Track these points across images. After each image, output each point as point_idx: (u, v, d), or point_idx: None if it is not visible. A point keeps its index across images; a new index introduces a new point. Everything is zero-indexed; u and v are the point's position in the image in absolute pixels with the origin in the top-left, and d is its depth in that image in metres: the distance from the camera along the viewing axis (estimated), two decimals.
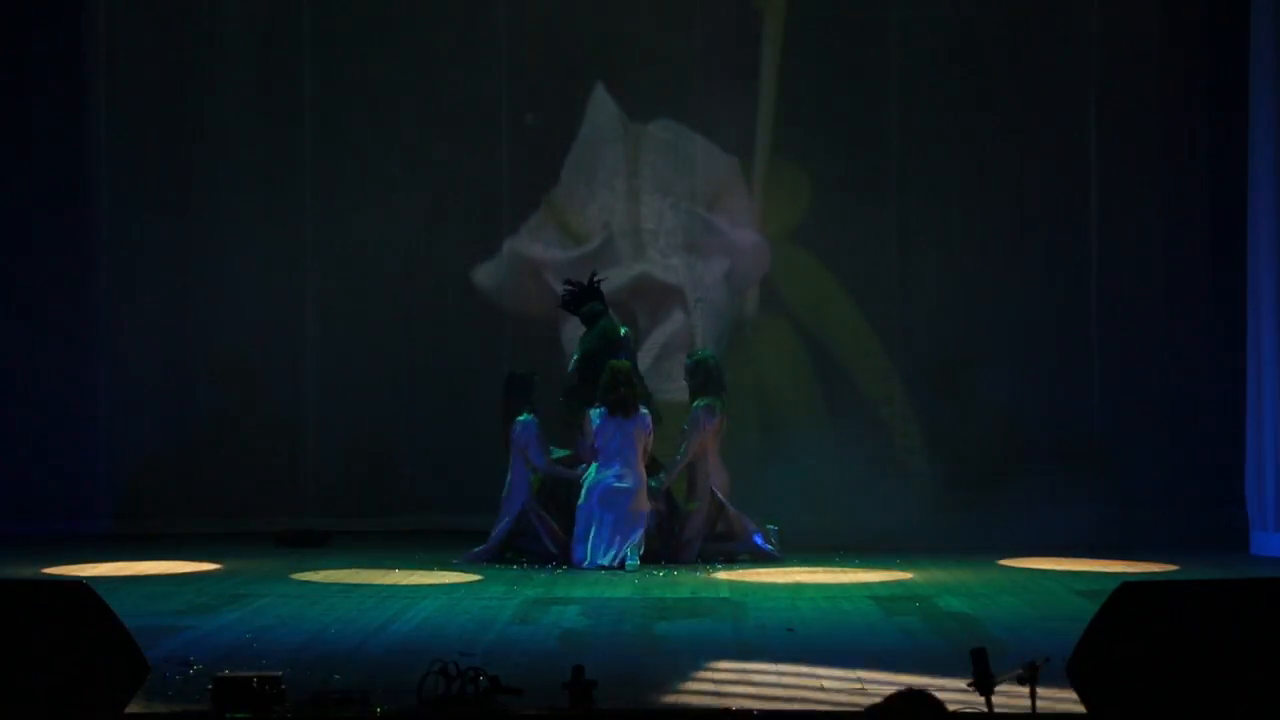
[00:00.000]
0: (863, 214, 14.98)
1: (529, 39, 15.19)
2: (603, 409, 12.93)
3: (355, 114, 15.24)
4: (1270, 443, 13.38)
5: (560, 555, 12.85)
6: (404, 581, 11.90)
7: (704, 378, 13.30)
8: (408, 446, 15.11)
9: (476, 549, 13.04)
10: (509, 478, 13.14)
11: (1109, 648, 6.76)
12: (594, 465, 12.91)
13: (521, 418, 13.09)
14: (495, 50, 15.19)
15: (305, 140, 15.19)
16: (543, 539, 12.98)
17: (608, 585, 11.78)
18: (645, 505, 12.85)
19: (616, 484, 12.78)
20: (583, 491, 12.86)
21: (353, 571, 12.41)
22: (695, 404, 13.22)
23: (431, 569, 12.54)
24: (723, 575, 12.33)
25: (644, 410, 12.99)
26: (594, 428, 12.91)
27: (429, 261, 15.23)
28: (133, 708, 7.10)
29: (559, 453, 13.29)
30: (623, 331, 13.55)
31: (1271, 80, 13.39)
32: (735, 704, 7.43)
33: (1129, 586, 6.90)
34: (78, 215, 15.13)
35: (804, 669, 8.31)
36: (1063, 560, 12.81)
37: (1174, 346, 14.71)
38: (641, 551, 12.78)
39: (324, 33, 15.25)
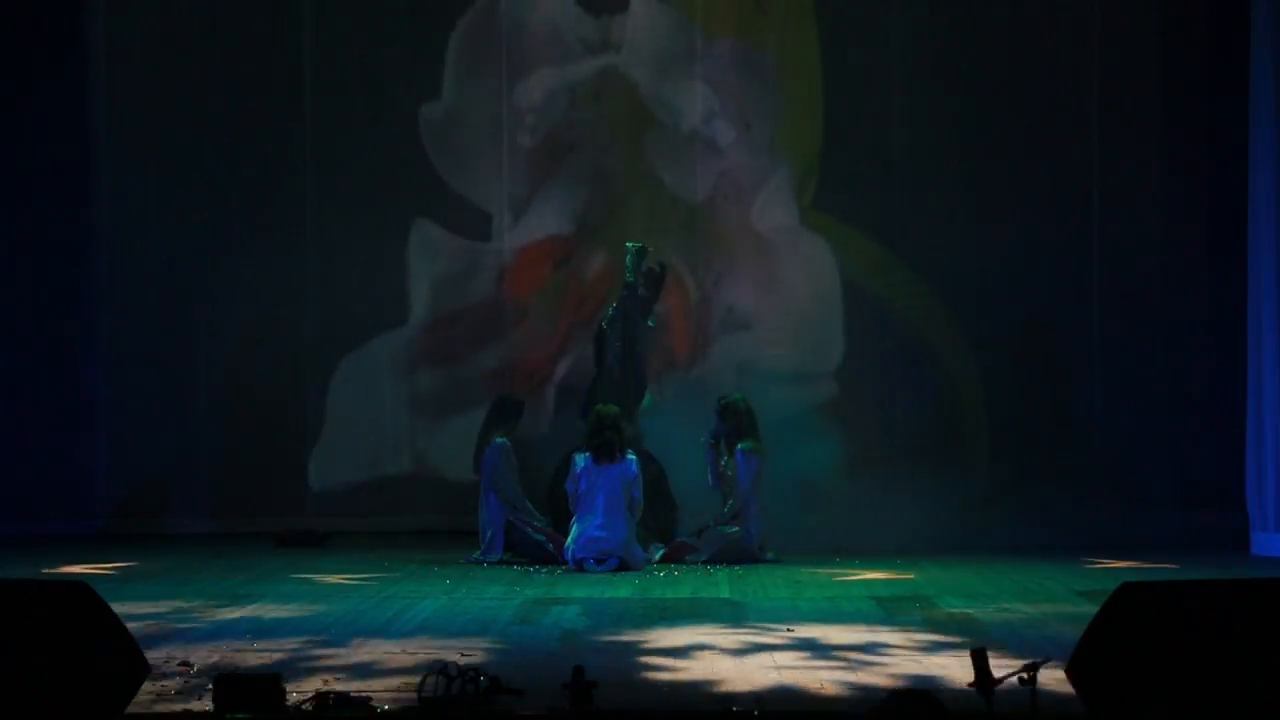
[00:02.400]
0: (861, 212, 14.98)
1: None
2: (587, 454, 12.63)
3: (356, 110, 15.22)
4: (1270, 443, 13.37)
5: (557, 551, 12.82)
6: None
7: (736, 421, 13.08)
8: (408, 446, 15.10)
9: (477, 555, 13.06)
10: (481, 500, 13.09)
11: (1109, 648, 6.76)
12: (572, 528, 12.66)
13: (495, 439, 13.05)
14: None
15: (306, 139, 15.18)
16: (538, 539, 12.99)
17: (608, 585, 11.78)
18: (637, 561, 12.57)
19: (599, 533, 12.51)
20: (567, 553, 12.60)
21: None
22: (738, 446, 13.04)
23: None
24: (723, 575, 12.33)
25: (630, 455, 12.71)
26: (576, 471, 12.63)
27: (429, 260, 15.22)
28: (133, 708, 7.10)
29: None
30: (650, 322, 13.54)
31: (1271, 80, 13.38)
32: (735, 704, 7.43)
33: (1129, 586, 6.90)
34: (77, 215, 15.13)
35: (804, 669, 8.31)
36: (1063, 560, 12.80)
37: (1174, 346, 14.71)
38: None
39: (323, 27, 15.23)
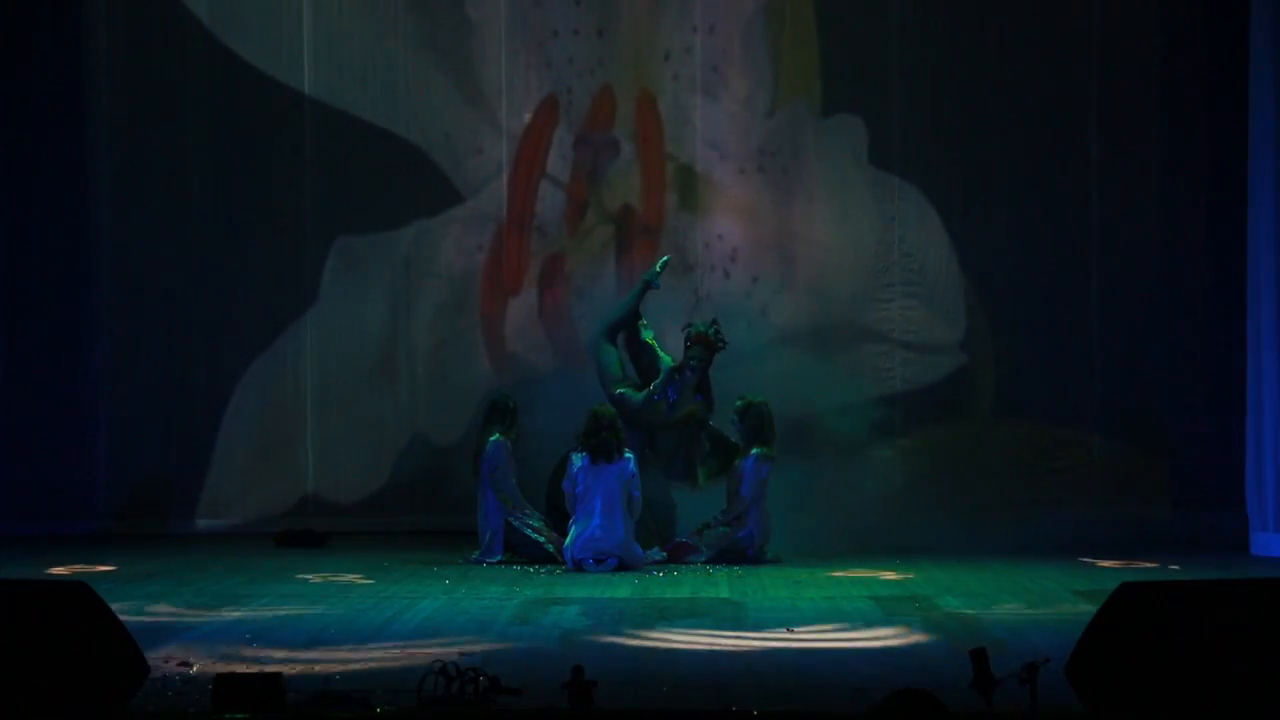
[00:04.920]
0: (862, 213, 14.97)
1: None
2: (584, 455, 12.58)
3: (355, 107, 15.19)
4: (1270, 443, 13.37)
5: (557, 551, 12.81)
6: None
7: (756, 423, 13.01)
8: (409, 446, 15.09)
9: (476, 555, 13.06)
10: (479, 500, 13.09)
11: (1109, 648, 6.77)
12: (570, 529, 12.63)
13: (493, 438, 13.05)
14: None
15: (305, 137, 15.17)
16: (537, 539, 12.98)
17: (608, 585, 11.78)
18: (636, 561, 12.56)
19: (598, 534, 12.48)
20: (566, 554, 12.60)
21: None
22: (752, 451, 12.99)
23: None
24: (723, 575, 12.33)
25: (628, 454, 12.69)
26: (574, 472, 12.59)
27: (430, 260, 15.21)
28: (133, 708, 7.10)
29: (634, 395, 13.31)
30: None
31: (1271, 80, 13.38)
32: (735, 704, 7.43)
33: (1129, 586, 6.90)
34: (78, 215, 15.13)
35: (803, 668, 8.31)
36: (1062, 560, 12.80)
37: (1174, 346, 14.71)
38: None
39: (323, 24, 15.22)
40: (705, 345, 13.34)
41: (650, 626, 9.79)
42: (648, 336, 13.60)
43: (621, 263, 15.01)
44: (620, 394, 13.29)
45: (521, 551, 13.01)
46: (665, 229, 15.03)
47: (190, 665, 8.22)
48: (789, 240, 14.97)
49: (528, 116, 15.12)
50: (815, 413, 14.41)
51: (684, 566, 12.81)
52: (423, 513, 14.87)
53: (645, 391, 13.29)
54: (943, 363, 14.88)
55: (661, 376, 13.31)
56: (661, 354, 13.47)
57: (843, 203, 14.97)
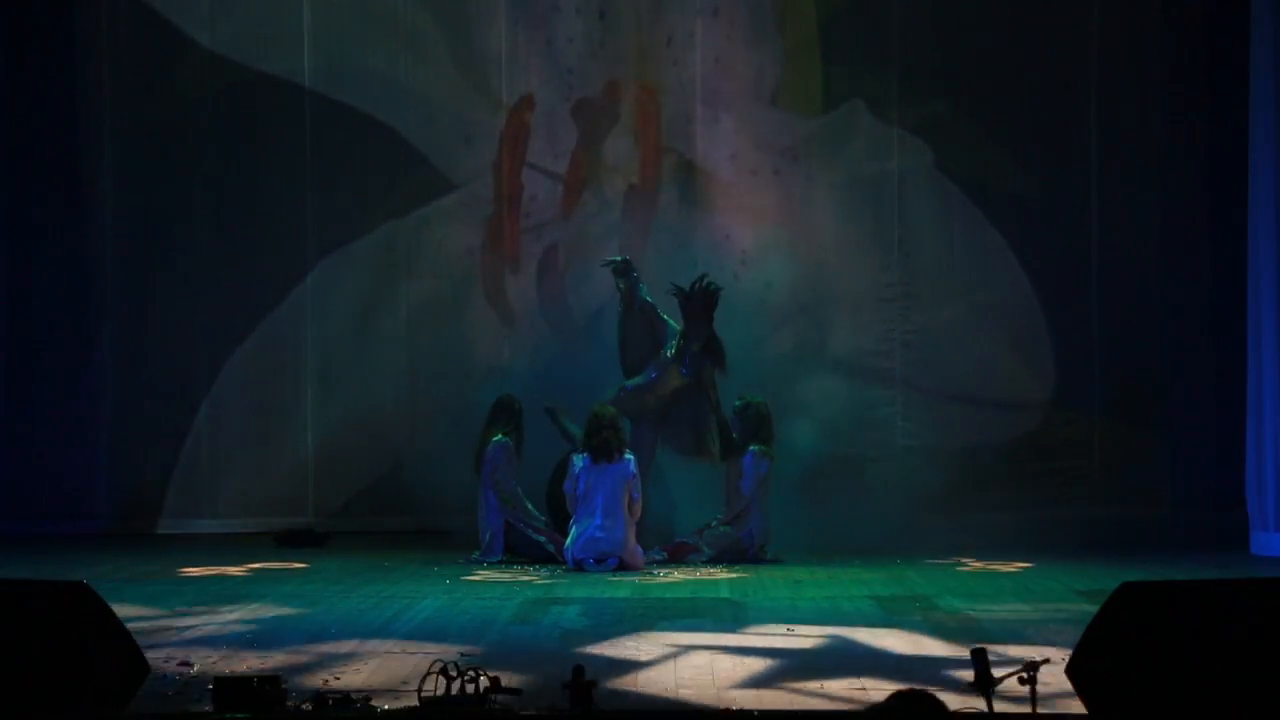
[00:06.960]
0: (864, 213, 14.96)
1: None
2: (585, 455, 12.60)
3: (356, 105, 15.19)
4: (1270, 443, 13.37)
5: (558, 551, 12.81)
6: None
7: (755, 422, 13.05)
8: (408, 446, 15.09)
9: (476, 555, 13.06)
10: (480, 500, 13.09)
11: (1109, 648, 6.76)
12: (570, 530, 12.63)
13: (495, 438, 13.05)
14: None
15: (305, 137, 15.18)
16: (538, 539, 12.99)
17: (608, 585, 11.79)
18: (637, 561, 12.58)
19: (599, 534, 12.50)
20: (567, 554, 12.61)
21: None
22: (750, 448, 13.03)
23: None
24: (723, 575, 12.34)
25: (629, 454, 12.71)
26: (575, 472, 12.61)
27: (430, 259, 15.22)
28: (133, 708, 7.10)
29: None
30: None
31: (1271, 80, 13.38)
32: (735, 704, 7.43)
33: (1129, 586, 6.90)
34: (79, 215, 15.15)
35: (804, 668, 8.31)
36: (1062, 560, 12.80)
37: (1174, 346, 14.71)
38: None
39: (323, 21, 15.23)
40: (701, 300, 13.25)
41: (650, 626, 9.79)
42: (644, 293, 13.51)
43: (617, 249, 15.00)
44: (638, 382, 13.25)
45: (521, 552, 13.01)
46: (661, 220, 14.99)
47: (190, 665, 8.22)
48: (793, 239, 14.94)
49: (519, 100, 15.11)
50: (818, 413, 14.40)
51: (684, 566, 12.82)
52: (422, 512, 14.85)
53: (658, 359, 13.23)
54: (944, 363, 14.88)
55: (673, 344, 13.25)
56: (666, 317, 13.42)
57: (845, 201, 14.95)
